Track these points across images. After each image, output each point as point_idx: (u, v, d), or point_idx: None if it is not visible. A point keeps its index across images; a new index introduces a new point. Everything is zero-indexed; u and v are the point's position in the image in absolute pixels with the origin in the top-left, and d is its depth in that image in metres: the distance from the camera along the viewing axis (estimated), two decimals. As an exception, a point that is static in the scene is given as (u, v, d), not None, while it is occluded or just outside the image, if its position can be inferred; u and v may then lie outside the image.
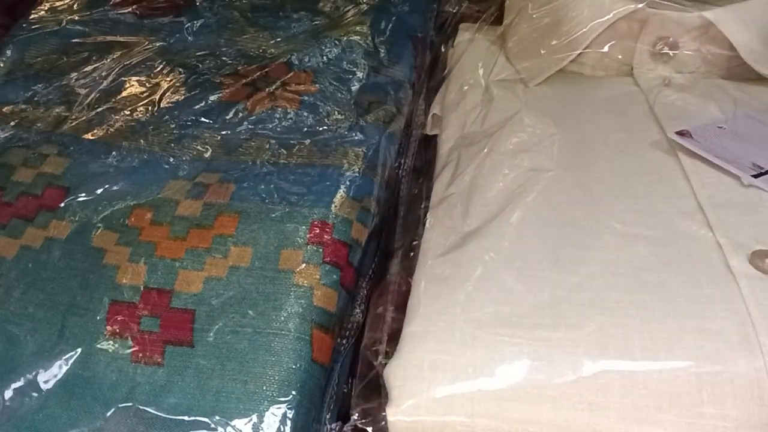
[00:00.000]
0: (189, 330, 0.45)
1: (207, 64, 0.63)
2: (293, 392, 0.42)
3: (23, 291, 0.47)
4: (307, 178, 0.51)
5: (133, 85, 0.61)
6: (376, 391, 0.42)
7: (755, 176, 0.48)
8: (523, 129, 0.54)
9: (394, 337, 0.44)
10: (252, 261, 0.47)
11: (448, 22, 0.69)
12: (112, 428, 0.42)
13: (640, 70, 0.58)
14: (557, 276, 0.44)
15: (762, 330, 0.39)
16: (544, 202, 0.48)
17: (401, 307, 0.45)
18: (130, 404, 0.42)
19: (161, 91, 0.60)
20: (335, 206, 0.49)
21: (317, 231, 0.48)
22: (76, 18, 0.69)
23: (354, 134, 0.55)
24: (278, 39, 0.65)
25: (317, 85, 0.59)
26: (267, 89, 0.59)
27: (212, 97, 0.59)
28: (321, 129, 0.56)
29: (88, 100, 0.60)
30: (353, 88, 0.59)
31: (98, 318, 0.45)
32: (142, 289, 0.46)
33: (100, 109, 0.59)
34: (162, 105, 0.59)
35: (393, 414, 0.40)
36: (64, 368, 0.44)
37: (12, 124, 0.58)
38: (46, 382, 0.43)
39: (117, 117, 0.58)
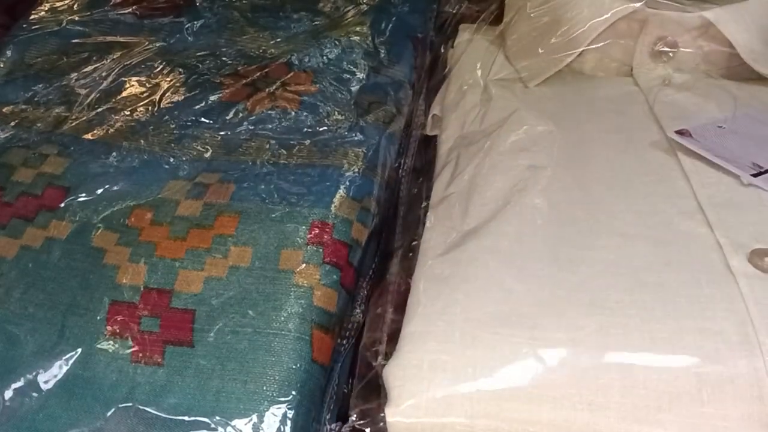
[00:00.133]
0: (189, 330, 0.45)
1: (207, 65, 0.63)
2: (293, 392, 0.42)
3: (23, 291, 0.47)
4: (307, 178, 0.51)
5: (133, 86, 0.61)
6: (376, 392, 0.42)
7: (755, 175, 0.48)
8: (521, 128, 0.54)
9: (394, 338, 0.44)
10: (252, 261, 0.47)
11: (448, 22, 0.69)
12: (112, 428, 0.42)
13: (639, 69, 0.58)
14: (557, 275, 0.43)
15: (761, 329, 0.39)
16: (543, 201, 0.48)
17: (401, 308, 0.45)
18: (130, 404, 0.42)
19: (161, 92, 0.60)
20: (335, 206, 0.49)
21: (317, 231, 0.48)
22: (76, 18, 0.69)
23: (354, 134, 0.55)
24: (278, 39, 0.65)
25: (317, 86, 0.59)
26: (267, 89, 0.59)
27: (212, 98, 0.59)
28: (321, 129, 0.56)
29: (88, 101, 0.60)
30: (353, 89, 0.59)
31: (98, 318, 0.45)
32: (142, 289, 0.46)
33: (100, 110, 0.59)
34: (162, 105, 0.59)
35: (392, 414, 0.39)
36: (64, 368, 0.44)
37: (12, 124, 0.58)
38: (46, 382, 0.43)
39: (117, 117, 0.58)
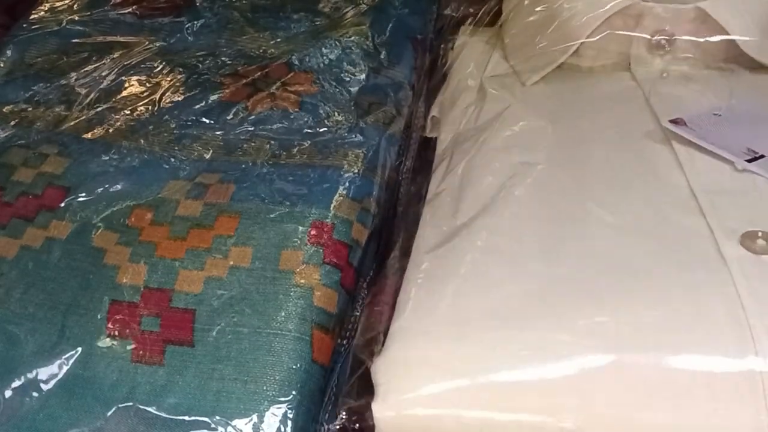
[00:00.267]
0: (189, 330, 0.45)
1: (207, 64, 0.63)
2: (293, 392, 0.42)
3: (23, 291, 0.47)
4: (308, 178, 0.51)
5: (133, 85, 0.61)
6: (368, 390, 0.42)
7: (750, 161, 0.48)
8: (514, 123, 0.54)
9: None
10: (252, 261, 0.47)
11: (447, 24, 0.69)
12: (113, 428, 0.42)
13: (637, 63, 0.58)
14: (546, 268, 0.44)
15: (752, 311, 0.39)
16: (534, 196, 0.48)
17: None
18: (131, 404, 0.42)
19: (161, 91, 0.60)
20: (335, 207, 0.50)
21: (317, 231, 0.48)
22: (76, 18, 0.69)
23: (354, 135, 0.55)
24: (278, 39, 0.65)
25: (317, 86, 0.59)
26: (267, 90, 0.59)
27: (212, 98, 0.59)
28: (321, 130, 0.56)
29: (87, 100, 0.60)
30: (353, 90, 0.60)
31: (99, 318, 0.45)
32: (142, 288, 0.46)
33: (100, 109, 0.59)
34: (162, 105, 0.59)
35: (379, 410, 0.39)
36: (65, 368, 0.44)
37: (12, 123, 0.58)
38: (46, 381, 0.43)
39: (117, 117, 0.58)
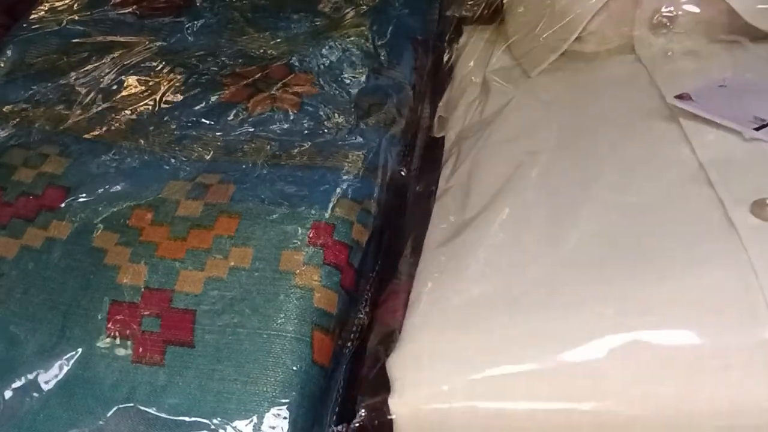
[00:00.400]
0: (189, 330, 0.45)
1: (207, 65, 0.63)
2: (294, 393, 0.42)
3: (24, 291, 0.47)
4: (308, 179, 0.51)
5: (133, 85, 0.61)
6: (384, 387, 0.42)
7: (757, 129, 0.47)
8: (519, 114, 0.54)
9: None
10: (252, 262, 0.47)
11: (450, 25, 0.69)
12: (113, 429, 0.42)
13: (640, 45, 0.57)
14: (555, 254, 0.43)
15: (765, 278, 0.39)
16: (541, 184, 0.48)
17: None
18: (131, 404, 0.42)
19: (161, 91, 0.60)
20: (336, 208, 0.50)
21: (318, 232, 0.48)
22: (77, 18, 0.69)
23: (354, 136, 0.55)
24: (278, 40, 0.65)
25: (317, 87, 0.59)
26: (267, 90, 0.59)
27: (212, 98, 0.59)
28: (321, 131, 0.56)
29: (88, 100, 0.60)
30: (353, 90, 0.60)
31: (99, 318, 0.45)
32: (142, 289, 0.46)
33: (100, 109, 0.59)
34: (162, 105, 0.59)
35: (395, 405, 0.39)
36: (65, 368, 0.44)
37: (12, 123, 0.58)
38: (46, 382, 0.43)
39: (117, 117, 0.58)
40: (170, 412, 0.42)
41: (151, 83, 0.61)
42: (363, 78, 0.61)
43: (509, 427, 0.39)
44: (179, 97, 0.60)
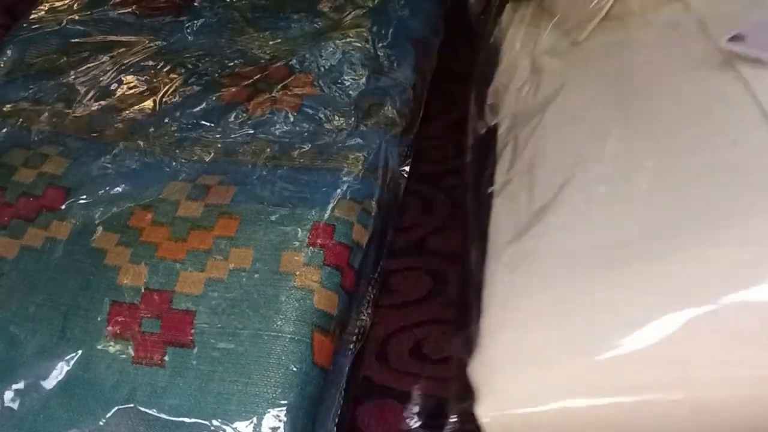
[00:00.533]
0: (190, 331, 0.45)
1: (207, 65, 0.63)
2: (294, 395, 0.42)
3: (24, 291, 0.47)
4: (308, 181, 0.51)
5: (133, 85, 0.61)
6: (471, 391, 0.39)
7: None
8: (574, 93, 0.51)
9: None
10: (253, 263, 0.47)
11: (492, 5, 0.66)
12: (113, 429, 0.42)
13: None
14: (630, 236, 0.40)
15: None
16: (610, 161, 0.45)
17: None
18: (131, 405, 0.42)
19: (162, 92, 0.60)
20: (336, 209, 0.50)
21: (318, 233, 0.48)
22: (76, 18, 0.69)
23: (354, 138, 0.55)
24: (278, 40, 0.65)
25: (317, 89, 0.59)
26: (267, 91, 0.59)
27: (212, 99, 0.59)
28: (321, 132, 0.56)
29: (88, 100, 0.60)
30: (354, 91, 0.59)
31: (99, 319, 0.45)
32: (143, 290, 0.46)
33: (100, 109, 0.59)
34: (162, 106, 0.59)
35: (483, 413, 0.37)
36: (65, 369, 0.44)
37: (12, 123, 0.58)
38: (46, 383, 0.43)
39: (118, 117, 0.58)
40: (170, 413, 0.42)
41: (151, 83, 0.61)
42: (363, 79, 0.61)
43: (605, 424, 0.37)
44: (179, 98, 0.60)
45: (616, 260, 0.40)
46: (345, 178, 0.52)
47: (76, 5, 0.70)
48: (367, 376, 0.47)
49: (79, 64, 0.63)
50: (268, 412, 0.41)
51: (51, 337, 0.45)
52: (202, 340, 0.44)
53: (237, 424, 0.41)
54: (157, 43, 0.66)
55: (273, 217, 0.49)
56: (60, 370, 0.44)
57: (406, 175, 0.58)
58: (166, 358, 0.44)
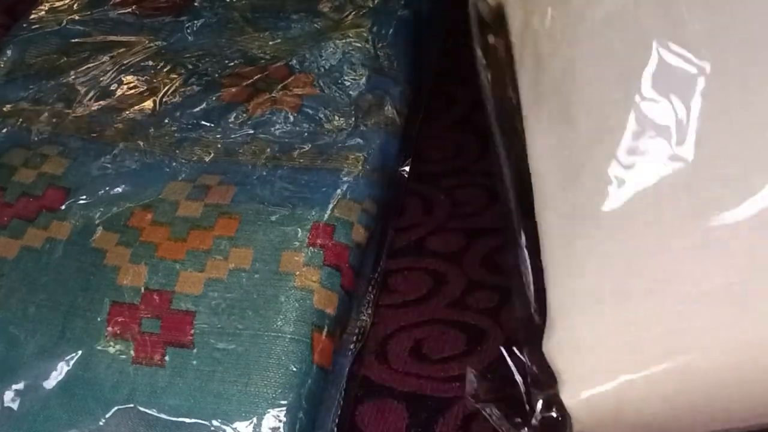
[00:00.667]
0: (189, 332, 0.45)
1: (207, 65, 0.63)
2: (294, 395, 0.42)
3: (24, 292, 0.47)
4: (308, 181, 0.51)
5: (133, 85, 0.61)
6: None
7: None
8: None
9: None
10: (252, 263, 0.47)
11: None
12: (113, 430, 0.42)
13: None
14: (711, 188, 0.33)
15: None
16: (667, 75, 0.35)
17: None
18: (131, 405, 0.42)
19: (162, 92, 0.60)
20: (336, 209, 0.50)
21: (318, 233, 0.48)
22: (77, 18, 0.69)
23: (354, 137, 0.55)
24: (278, 40, 0.65)
25: (317, 89, 0.59)
26: (267, 91, 0.59)
27: (213, 99, 0.59)
28: (321, 132, 0.56)
29: (88, 100, 0.60)
30: (354, 91, 0.59)
31: (99, 319, 0.45)
32: (143, 290, 0.46)
33: (100, 109, 0.59)
34: (162, 106, 0.59)
35: (569, 398, 0.32)
36: (65, 369, 0.44)
37: (12, 123, 0.58)
38: (46, 383, 0.43)
39: (117, 117, 0.58)
40: (170, 413, 0.42)
41: (151, 83, 0.61)
42: (363, 79, 0.60)
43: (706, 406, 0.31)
44: (179, 98, 0.60)
45: (708, 207, 0.32)
46: (345, 178, 0.52)
47: (76, 5, 0.70)
48: (367, 376, 0.47)
49: (79, 64, 0.63)
50: (268, 412, 0.41)
51: (51, 337, 0.45)
52: (202, 340, 0.44)
53: (237, 424, 0.41)
54: (157, 43, 0.66)
55: (273, 217, 0.49)
56: (60, 370, 0.44)
57: (406, 175, 0.58)
58: (166, 358, 0.44)
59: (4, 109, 0.60)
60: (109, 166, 0.54)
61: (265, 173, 0.52)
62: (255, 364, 0.43)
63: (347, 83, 0.60)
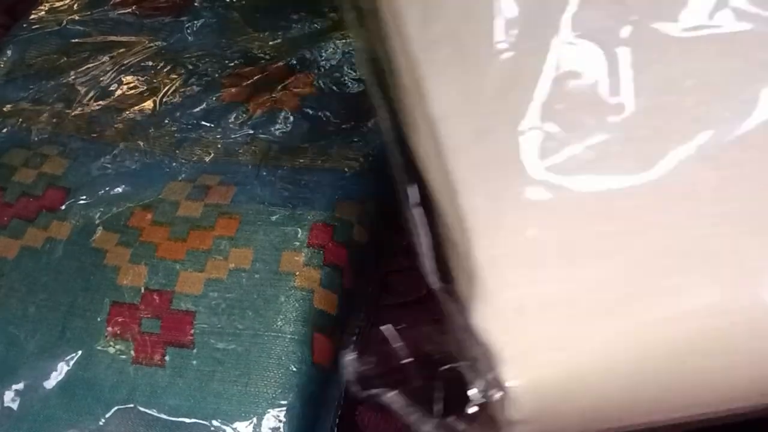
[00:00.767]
0: (189, 331, 0.45)
1: (207, 65, 0.63)
2: (294, 395, 0.42)
3: (24, 292, 0.47)
4: (308, 181, 0.51)
5: (133, 86, 0.61)
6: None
7: None
8: None
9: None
10: (253, 263, 0.47)
11: None
12: (113, 430, 0.42)
13: None
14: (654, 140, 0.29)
15: None
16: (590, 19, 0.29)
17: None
18: (131, 405, 0.42)
19: (162, 92, 0.60)
20: (336, 209, 0.50)
21: (318, 233, 0.48)
22: (77, 18, 0.69)
23: (354, 138, 0.55)
24: (278, 40, 0.65)
25: (317, 89, 0.59)
26: (267, 92, 0.59)
27: (213, 99, 0.59)
28: (321, 132, 0.56)
29: (88, 100, 0.60)
30: (354, 91, 0.60)
31: (99, 319, 0.45)
32: (143, 290, 0.46)
33: (100, 110, 0.59)
34: (162, 106, 0.59)
35: (509, 376, 0.27)
36: (65, 369, 0.44)
37: (12, 123, 0.58)
38: (46, 383, 0.43)
39: (117, 117, 0.58)
40: (170, 414, 0.42)
41: (151, 83, 0.61)
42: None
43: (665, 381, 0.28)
44: (179, 98, 0.60)
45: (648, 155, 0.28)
46: (345, 178, 0.52)
47: (76, 5, 0.70)
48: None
49: (79, 65, 0.63)
50: (268, 412, 0.41)
51: (51, 337, 0.45)
52: (202, 340, 0.44)
53: (237, 425, 0.41)
54: (157, 43, 0.66)
55: (273, 218, 0.49)
56: (60, 370, 0.44)
57: (406, 175, 0.58)
58: (166, 358, 0.44)
59: (4, 109, 0.60)
60: (109, 166, 0.54)
61: (265, 173, 0.52)
62: (255, 364, 0.43)
63: (347, 83, 0.60)
